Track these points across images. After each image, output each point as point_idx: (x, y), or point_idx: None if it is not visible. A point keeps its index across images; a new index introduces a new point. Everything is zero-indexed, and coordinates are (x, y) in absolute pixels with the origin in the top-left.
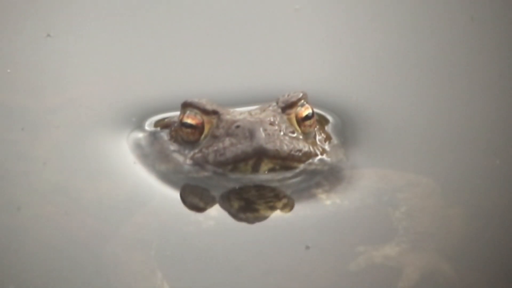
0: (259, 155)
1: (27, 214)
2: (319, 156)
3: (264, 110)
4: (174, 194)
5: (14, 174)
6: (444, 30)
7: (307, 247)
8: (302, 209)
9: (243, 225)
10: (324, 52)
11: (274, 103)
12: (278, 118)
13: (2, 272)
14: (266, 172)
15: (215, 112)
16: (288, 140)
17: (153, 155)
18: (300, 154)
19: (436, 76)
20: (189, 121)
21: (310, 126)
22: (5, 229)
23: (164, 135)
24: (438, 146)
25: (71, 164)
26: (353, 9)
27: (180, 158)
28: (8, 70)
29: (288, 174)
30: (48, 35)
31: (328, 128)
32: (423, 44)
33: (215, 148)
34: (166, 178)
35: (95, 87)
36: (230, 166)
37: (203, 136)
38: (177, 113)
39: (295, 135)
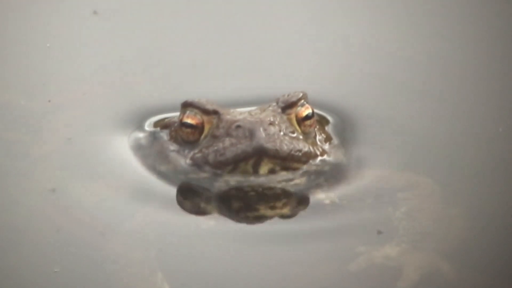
0: (259, 155)
1: (26, 214)
2: (319, 157)
3: (264, 110)
4: (174, 194)
5: (14, 174)
6: (443, 30)
7: (379, 232)
8: (302, 209)
9: (243, 225)
10: (324, 52)
11: (274, 103)
12: (278, 118)
13: (3, 272)
14: (266, 172)
15: (215, 112)
16: (288, 140)
17: (153, 156)
18: (300, 154)
19: (436, 76)
20: (189, 121)
21: (310, 126)
22: (3, 228)
23: (164, 135)
24: (438, 146)
25: (71, 164)
26: (353, 9)
27: (180, 158)
28: (48, 45)
29: (288, 174)
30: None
31: (328, 128)
32: (423, 43)
33: (215, 148)
34: (166, 178)
35: (95, 87)
36: (230, 166)
37: (203, 136)
38: (177, 113)
39: (295, 135)
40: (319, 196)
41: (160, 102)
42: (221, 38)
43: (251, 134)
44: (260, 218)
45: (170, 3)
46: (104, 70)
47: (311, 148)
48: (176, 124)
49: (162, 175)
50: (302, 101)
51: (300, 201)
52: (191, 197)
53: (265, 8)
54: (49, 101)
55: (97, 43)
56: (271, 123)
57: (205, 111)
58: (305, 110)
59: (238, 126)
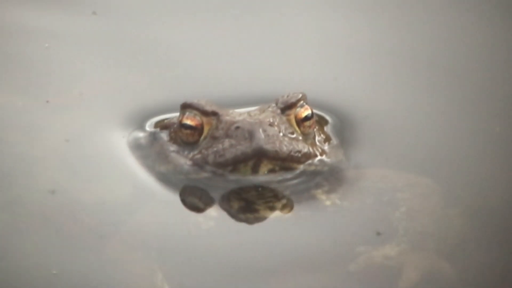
0: (259, 156)
1: (26, 214)
2: (319, 157)
3: (263, 111)
4: (174, 195)
5: (14, 174)
6: (444, 30)
7: (378, 233)
8: (302, 210)
9: (243, 225)
10: (323, 52)
11: (274, 104)
12: (277, 119)
13: (3, 274)
14: (265, 173)
15: (214, 113)
16: (287, 141)
17: (153, 156)
18: (300, 155)
19: (437, 76)
20: (189, 122)
21: (310, 127)
22: (4, 228)
23: (164, 136)
24: (438, 146)
25: (71, 164)
26: (352, 9)
27: (179, 159)
28: (46, 45)
29: (288, 175)
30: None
31: (327, 128)
32: (423, 44)
33: (215, 149)
34: (166, 179)
35: (95, 87)
36: (230, 167)
37: (202, 137)
38: (177, 114)
39: (294, 136)
40: (319, 196)
41: (160, 103)
42: (221, 38)
43: (251, 135)
44: (260, 219)
45: (169, 4)
46: (104, 70)
47: (310, 148)
48: (175, 125)
49: (161, 176)
50: (302, 102)
51: (300, 201)
52: (191, 198)
53: (264, 7)
54: (47, 101)
55: (97, 43)
56: (271, 124)
57: (204, 112)
58: (305, 111)
59: (238, 127)
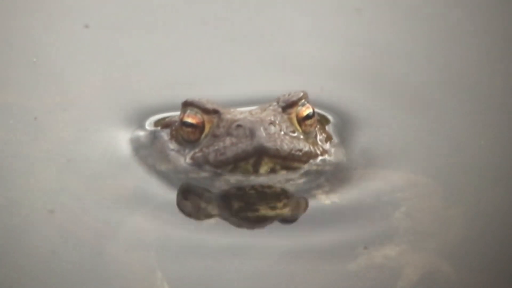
0: (260, 154)
1: (26, 213)
2: (320, 156)
3: (264, 110)
4: (174, 194)
5: (14, 174)
6: (440, 28)
7: (365, 247)
8: (302, 209)
9: (243, 225)
10: (324, 52)
11: (275, 103)
12: (278, 118)
13: (2, 272)
14: (266, 171)
15: (215, 111)
16: (288, 139)
17: (153, 155)
18: (301, 153)
19: (436, 76)
20: (190, 120)
21: (311, 125)
22: (4, 229)
23: (165, 134)
24: (438, 146)
25: (71, 164)
26: (354, 9)
27: (180, 157)
28: (34, 59)
29: (288, 174)
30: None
31: (328, 128)
32: (423, 43)
33: (216, 147)
34: (167, 177)
35: (95, 86)
36: (231, 166)
37: (203, 135)
38: (178, 112)
39: (295, 134)
40: (320, 196)
41: (161, 101)
42: (221, 38)
43: (252, 133)
44: (261, 218)
45: (167, 7)
46: (103, 74)
47: (311, 147)
48: (176, 123)
49: (162, 175)
50: (303, 100)
51: (301, 201)
52: (191, 197)
53: (264, 7)
54: (35, 118)
55: (89, 56)
56: (272, 123)
57: (206, 110)
58: (306, 110)
59: (239, 126)
